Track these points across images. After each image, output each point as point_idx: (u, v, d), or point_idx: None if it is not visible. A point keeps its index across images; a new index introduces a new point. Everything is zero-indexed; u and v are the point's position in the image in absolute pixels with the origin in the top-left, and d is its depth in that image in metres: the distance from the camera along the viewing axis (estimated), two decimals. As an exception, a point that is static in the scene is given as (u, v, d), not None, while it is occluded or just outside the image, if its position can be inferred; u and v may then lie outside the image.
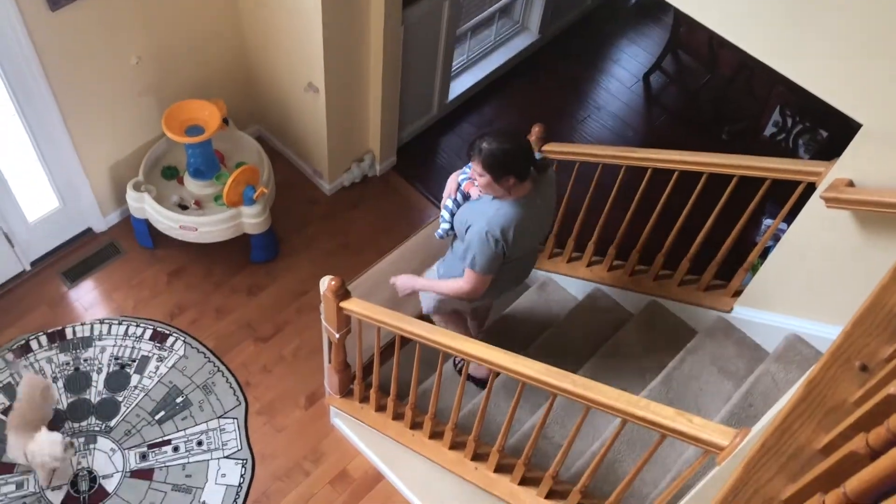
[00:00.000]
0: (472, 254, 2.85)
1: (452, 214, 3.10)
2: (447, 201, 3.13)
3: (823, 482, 1.24)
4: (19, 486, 3.55)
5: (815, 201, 2.84)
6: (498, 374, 2.69)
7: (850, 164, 2.66)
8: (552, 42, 5.62)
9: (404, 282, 3.23)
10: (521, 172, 2.75)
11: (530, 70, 5.47)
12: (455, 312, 3.48)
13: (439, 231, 3.16)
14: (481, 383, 3.66)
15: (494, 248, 2.81)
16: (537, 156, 3.01)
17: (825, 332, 3.16)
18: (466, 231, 2.91)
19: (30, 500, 3.52)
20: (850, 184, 2.67)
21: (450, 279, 3.07)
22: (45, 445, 3.35)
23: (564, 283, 4.09)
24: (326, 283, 2.99)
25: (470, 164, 2.84)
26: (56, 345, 3.97)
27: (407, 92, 4.56)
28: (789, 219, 3.09)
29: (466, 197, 3.08)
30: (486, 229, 2.79)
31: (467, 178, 3.07)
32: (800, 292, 3.15)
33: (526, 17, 5.44)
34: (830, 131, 4.70)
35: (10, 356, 3.71)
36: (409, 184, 4.81)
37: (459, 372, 3.52)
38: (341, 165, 4.63)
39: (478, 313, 3.70)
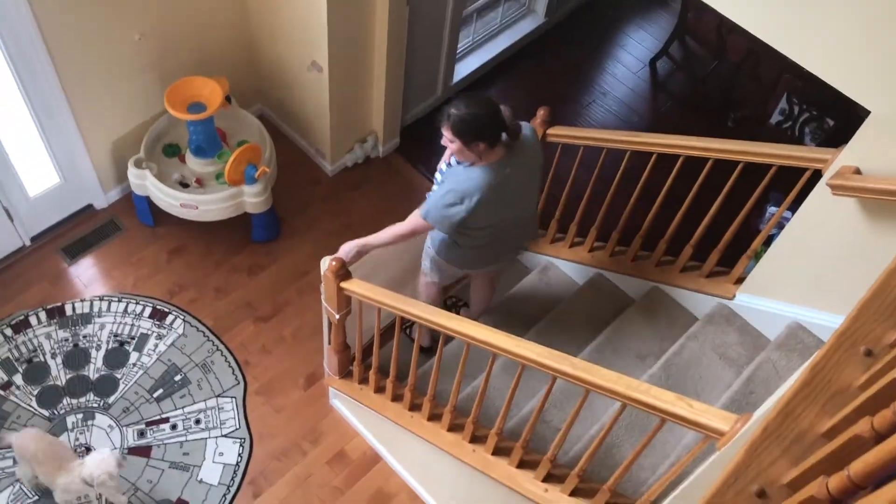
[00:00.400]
0: (428, 201, 2.92)
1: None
2: (441, 165, 3.18)
3: (826, 465, 1.23)
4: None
5: (820, 189, 2.81)
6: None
7: (858, 151, 2.63)
8: (558, 26, 5.58)
9: (346, 247, 3.12)
10: (490, 138, 2.76)
11: (536, 53, 5.43)
12: (435, 284, 3.54)
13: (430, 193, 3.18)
14: (429, 351, 3.75)
15: (450, 207, 2.84)
16: (526, 126, 2.99)
17: (827, 321, 3.15)
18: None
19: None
20: (857, 171, 2.64)
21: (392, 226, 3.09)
22: (95, 466, 3.08)
23: (566, 268, 4.08)
24: (327, 263, 2.98)
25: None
26: (55, 321, 3.96)
27: (411, 73, 4.52)
28: (794, 207, 3.06)
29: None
30: (450, 188, 2.85)
31: None
32: (803, 280, 3.14)
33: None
34: (837, 120, 4.67)
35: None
36: (412, 166, 4.79)
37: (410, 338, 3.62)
38: (344, 146, 4.61)
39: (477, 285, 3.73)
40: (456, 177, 2.88)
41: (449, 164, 3.12)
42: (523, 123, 3.01)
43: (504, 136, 2.82)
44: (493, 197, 2.85)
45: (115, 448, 3.56)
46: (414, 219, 3.00)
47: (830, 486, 1.09)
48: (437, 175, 3.18)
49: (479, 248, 3.12)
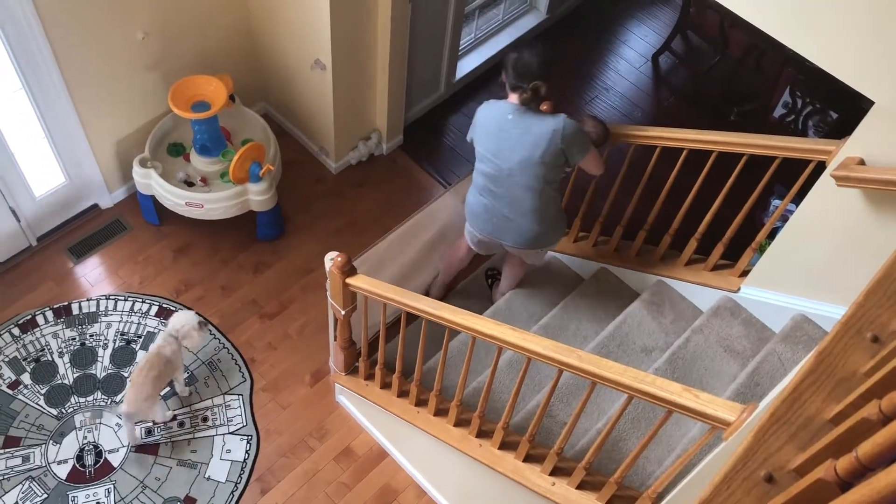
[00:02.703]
0: None
1: None
2: None
3: (834, 449, 1.23)
4: (25, 459, 3.57)
5: (825, 180, 2.82)
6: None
7: (862, 142, 2.64)
8: (560, 21, 5.59)
9: None
10: (509, 77, 3.08)
11: (538, 50, 5.42)
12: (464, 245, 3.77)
13: None
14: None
15: (474, 121, 3.25)
16: (557, 118, 3.08)
17: (832, 313, 3.15)
18: None
19: (36, 473, 3.54)
20: (861, 162, 2.65)
21: None
22: (182, 320, 3.56)
23: (570, 263, 4.08)
24: (332, 259, 2.98)
25: None
26: (62, 320, 3.98)
27: (414, 70, 4.53)
28: (797, 200, 3.07)
29: None
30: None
31: None
32: (807, 272, 3.14)
33: (534, -4, 5.40)
34: (840, 113, 4.67)
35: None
36: (416, 163, 4.79)
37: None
38: (348, 144, 4.62)
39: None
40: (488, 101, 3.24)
41: None
42: (564, 116, 3.08)
43: (523, 90, 3.04)
44: (492, 126, 3.14)
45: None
46: None
47: (839, 467, 1.10)
48: None
49: (483, 198, 3.32)
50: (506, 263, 3.92)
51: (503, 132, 3.10)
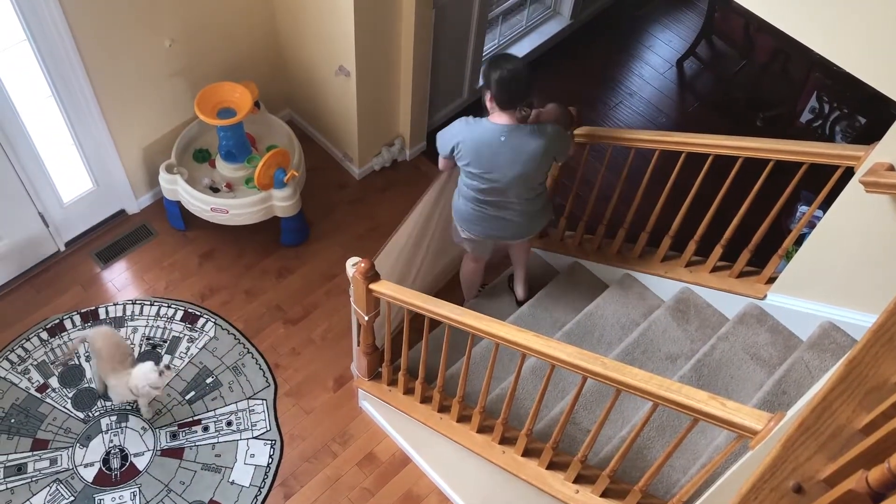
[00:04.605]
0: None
1: None
2: None
3: (865, 460, 1.21)
4: (53, 461, 3.61)
5: (853, 186, 2.78)
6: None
7: (891, 147, 2.60)
8: (584, 27, 5.57)
9: None
10: (495, 94, 3.02)
11: (562, 55, 5.42)
12: (468, 258, 3.84)
13: None
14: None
15: (451, 138, 3.16)
16: (546, 127, 3.13)
17: (861, 320, 3.11)
18: None
19: (63, 476, 3.58)
20: (891, 168, 2.61)
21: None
22: (141, 377, 3.50)
23: (594, 269, 4.06)
24: (355, 265, 2.99)
25: None
26: (89, 324, 4.02)
27: (437, 76, 4.54)
28: (825, 206, 3.03)
29: None
30: (455, 122, 3.19)
31: None
32: (835, 279, 3.10)
33: (558, 1, 5.39)
34: (869, 118, 4.61)
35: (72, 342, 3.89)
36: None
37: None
38: (371, 150, 4.63)
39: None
40: (468, 119, 3.18)
41: None
42: (548, 125, 3.11)
43: (516, 109, 3.05)
44: (485, 150, 3.09)
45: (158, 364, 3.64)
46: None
47: (871, 478, 1.08)
48: None
49: (475, 207, 3.33)
50: (512, 254, 3.96)
51: (497, 155, 3.09)
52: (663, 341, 3.57)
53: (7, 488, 3.53)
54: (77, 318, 4.04)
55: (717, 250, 3.55)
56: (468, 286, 4.02)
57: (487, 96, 3.07)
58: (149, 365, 3.52)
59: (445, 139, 3.19)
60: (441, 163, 3.35)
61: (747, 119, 5.09)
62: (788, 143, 3.09)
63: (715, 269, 3.62)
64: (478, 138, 3.08)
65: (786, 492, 1.35)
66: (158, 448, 3.70)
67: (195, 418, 3.78)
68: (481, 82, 3.08)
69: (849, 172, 2.85)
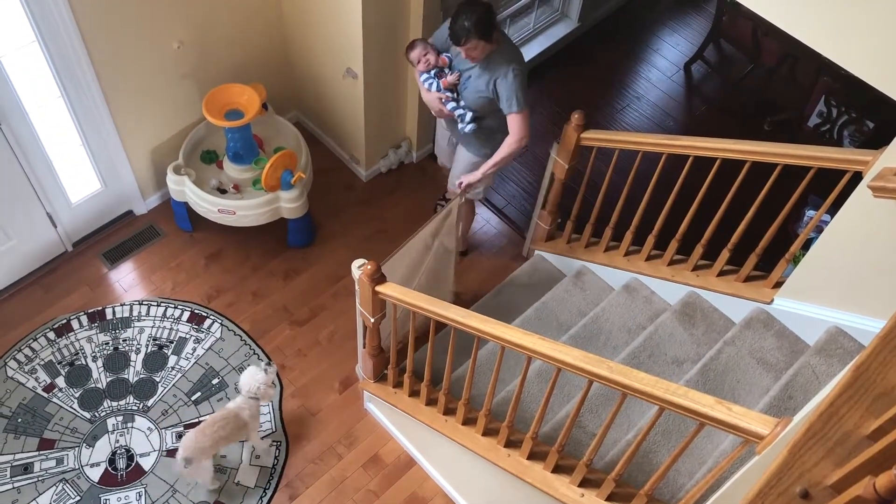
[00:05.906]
0: (514, 95, 3.21)
1: (466, 108, 3.45)
2: (448, 105, 3.45)
3: (873, 466, 1.21)
4: (59, 461, 3.62)
5: (861, 191, 2.77)
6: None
7: (900, 152, 2.59)
8: (592, 30, 5.57)
9: (470, 178, 3.58)
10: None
11: (569, 58, 5.42)
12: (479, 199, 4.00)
13: (469, 125, 3.46)
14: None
15: (525, 78, 3.22)
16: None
17: (869, 326, 3.10)
18: (495, 92, 3.27)
19: (69, 476, 3.59)
20: (900, 172, 2.60)
21: (504, 145, 3.43)
22: (251, 382, 3.43)
23: (601, 273, 4.06)
24: (361, 267, 2.99)
25: (449, 52, 3.39)
26: (96, 325, 4.04)
27: (445, 79, 4.54)
28: (832, 211, 3.02)
29: (454, 88, 3.44)
30: (512, 67, 3.19)
31: (432, 79, 3.47)
32: (843, 284, 3.09)
33: (566, 4, 5.39)
34: (877, 122, 4.60)
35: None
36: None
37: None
38: (378, 152, 4.64)
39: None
40: (498, 69, 3.21)
41: (452, 97, 3.43)
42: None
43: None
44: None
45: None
46: (522, 118, 3.29)
47: (878, 485, 1.07)
48: (458, 112, 3.45)
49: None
50: (463, 214, 3.98)
51: None
52: (669, 345, 3.56)
53: (13, 487, 3.54)
54: (84, 319, 4.05)
55: (724, 254, 3.55)
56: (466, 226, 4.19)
57: (496, 33, 3.20)
58: (251, 369, 3.47)
59: (526, 86, 3.27)
60: (527, 118, 3.35)
61: (755, 123, 5.08)
62: (796, 147, 3.08)
63: (722, 273, 3.61)
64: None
65: (792, 497, 1.34)
66: (164, 448, 3.70)
67: (201, 419, 3.78)
68: (481, 41, 3.16)
69: (857, 177, 2.84)
